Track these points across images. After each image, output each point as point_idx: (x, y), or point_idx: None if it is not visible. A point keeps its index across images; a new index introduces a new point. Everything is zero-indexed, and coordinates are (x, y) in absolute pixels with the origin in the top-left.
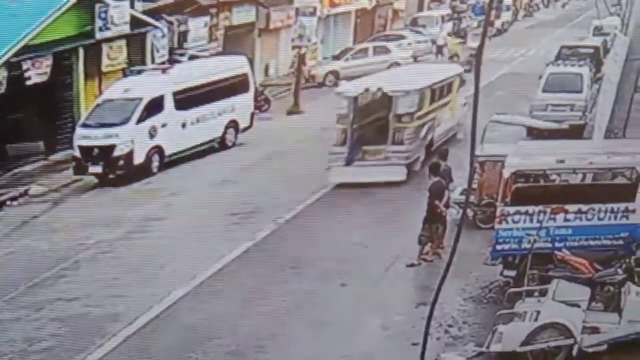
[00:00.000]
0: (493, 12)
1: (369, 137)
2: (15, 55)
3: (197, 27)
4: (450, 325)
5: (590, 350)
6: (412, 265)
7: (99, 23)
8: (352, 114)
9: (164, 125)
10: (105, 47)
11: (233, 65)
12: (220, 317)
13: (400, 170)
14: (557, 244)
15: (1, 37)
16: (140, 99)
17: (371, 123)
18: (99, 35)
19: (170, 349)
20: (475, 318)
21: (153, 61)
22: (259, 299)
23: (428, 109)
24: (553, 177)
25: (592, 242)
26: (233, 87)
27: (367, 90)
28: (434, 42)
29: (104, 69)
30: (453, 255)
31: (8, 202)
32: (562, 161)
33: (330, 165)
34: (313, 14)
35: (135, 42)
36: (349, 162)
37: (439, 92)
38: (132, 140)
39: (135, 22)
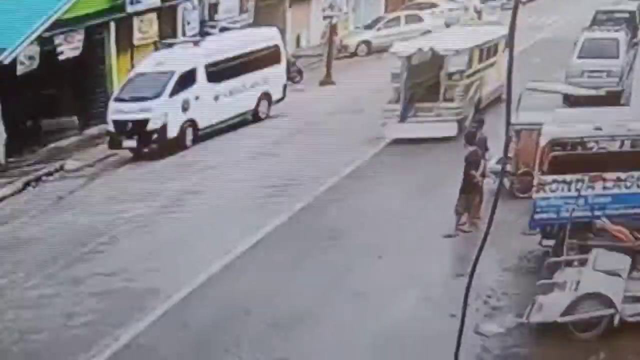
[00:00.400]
0: None
1: (422, 95)
2: (48, 30)
3: None
4: (489, 296)
5: (631, 319)
6: (449, 236)
7: None
8: (405, 73)
9: (196, 98)
10: (136, 21)
11: (264, 37)
12: (258, 290)
13: (452, 126)
14: (596, 213)
15: (33, 12)
16: (173, 72)
17: (423, 82)
18: (130, 9)
19: (208, 323)
20: (515, 289)
21: (184, 34)
22: (297, 271)
23: (476, 67)
24: (590, 144)
25: (631, 210)
26: (265, 58)
27: (419, 50)
28: (466, 8)
29: (135, 43)
30: (490, 225)
31: (44, 178)
32: (599, 128)
33: (385, 122)
34: None
35: (167, 15)
36: (403, 119)
37: (487, 52)
38: (165, 113)
39: None
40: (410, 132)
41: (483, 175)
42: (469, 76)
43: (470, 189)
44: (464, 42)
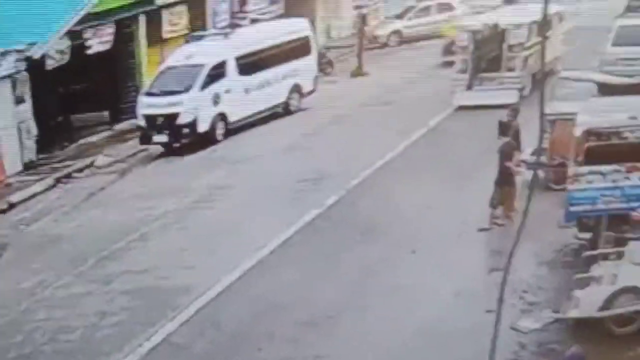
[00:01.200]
0: None
1: (486, 66)
2: (78, 24)
3: None
4: (525, 291)
5: None
6: (483, 229)
7: None
8: (472, 46)
9: (227, 92)
10: (165, 13)
11: (295, 28)
12: (292, 286)
13: (513, 93)
14: (633, 204)
15: (63, 5)
16: (203, 65)
17: (487, 53)
18: (159, 1)
19: (242, 320)
20: (551, 283)
21: (214, 26)
22: (330, 266)
23: (534, 41)
24: (626, 134)
25: None
26: (295, 50)
27: (485, 24)
28: None
29: (165, 36)
30: (525, 218)
31: (75, 174)
32: (634, 118)
33: (454, 90)
34: None
35: (196, 7)
36: (469, 87)
37: (543, 27)
38: (196, 107)
39: None
40: (475, 99)
41: (517, 166)
42: (527, 48)
43: (505, 181)
44: (523, 17)
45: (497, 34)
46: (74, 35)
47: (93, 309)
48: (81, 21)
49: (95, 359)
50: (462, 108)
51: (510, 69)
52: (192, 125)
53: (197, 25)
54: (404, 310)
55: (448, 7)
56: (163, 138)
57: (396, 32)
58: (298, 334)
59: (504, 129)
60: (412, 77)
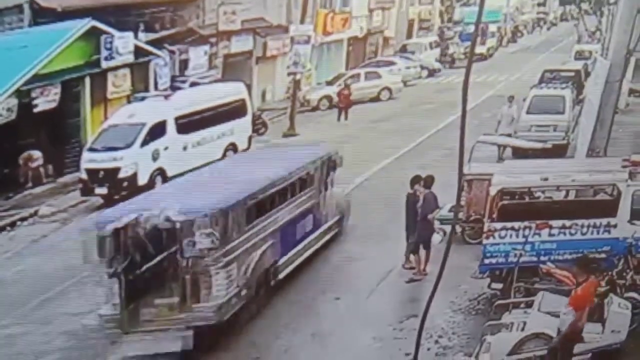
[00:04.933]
0: (478, 39)
1: None
2: (25, 84)
3: (197, 55)
4: (440, 336)
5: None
6: (412, 280)
7: (104, 53)
8: None
9: (166, 149)
10: (110, 76)
11: (231, 91)
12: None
13: None
14: (542, 258)
15: (12, 66)
16: (144, 124)
17: None
18: (104, 64)
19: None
20: (465, 329)
21: (156, 88)
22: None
23: None
24: (538, 194)
25: (576, 255)
26: (232, 111)
27: None
28: (422, 67)
29: (109, 96)
30: (443, 269)
31: (19, 223)
32: (546, 179)
33: None
34: (307, 42)
35: (139, 70)
36: None
37: None
38: (136, 162)
39: (139, 51)
40: None
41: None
42: None
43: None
44: None
45: None
46: (21, 94)
47: (30, 348)
48: (29, 81)
49: None
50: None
51: None
52: (132, 178)
53: (140, 87)
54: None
55: (376, 76)
56: (104, 190)
57: (327, 97)
58: None
59: (427, 182)
60: (340, 137)
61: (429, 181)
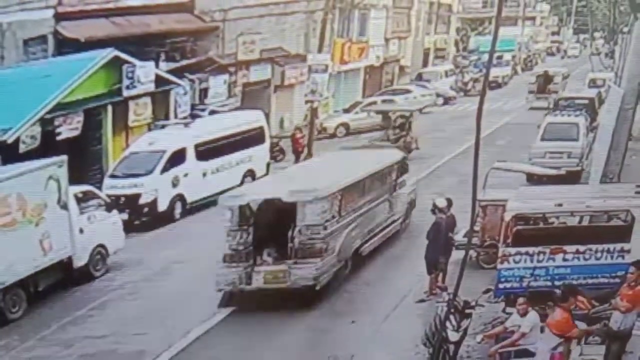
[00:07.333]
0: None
1: None
2: (49, 112)
3: (217, 84)
4: None
5: None
6: (421, 301)
7: (126, 82)
8: None
9: (185, 175)
10: (132, 104)
11: (250, 119)
12: (238, 352)
13: None
14: (556, 283)
15: (36, 95)
16: (164, 151)
17: None
18: (126, 93)
19: None
20: (479, 353)
21: (176, 116)
22: (274, 335)
23: None
24: (552, 219)
25: (589, 281)
26: (250, 139)
27: None
28: (438, 94)
29: (130, 124)
30: (456, 293)
31: None
32: (560, 205)
33: None
34: (325, 70)
35: (160, 99)
36: None
37: None
38: (156, 189)
39: (159, 80)
40: None
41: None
42: None
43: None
44: None
45: None
46: (45, 122)
47: None
48: (52, 110)
49: None
50: None
51: None
52: (152, 205)
53: (161, 115)
54: None
55: (392, 103)
56: (124, 216)
57: (343, 124)
58: None
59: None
60: None
61: (448, 204)
